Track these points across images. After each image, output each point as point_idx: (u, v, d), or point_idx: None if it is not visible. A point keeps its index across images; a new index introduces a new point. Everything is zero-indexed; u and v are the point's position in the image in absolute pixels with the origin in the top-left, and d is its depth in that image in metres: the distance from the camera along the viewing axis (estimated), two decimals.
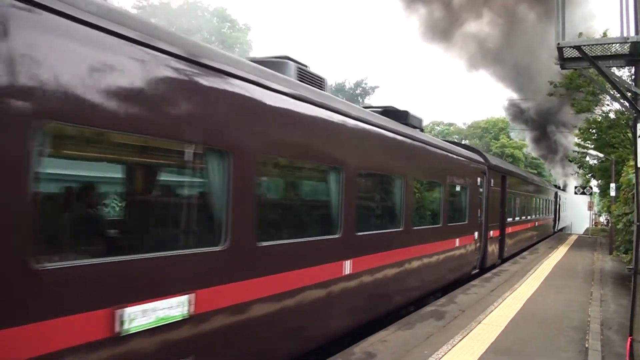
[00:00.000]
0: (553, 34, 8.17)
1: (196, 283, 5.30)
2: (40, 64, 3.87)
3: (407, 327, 9.68)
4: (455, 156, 14.86)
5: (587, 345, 8.95)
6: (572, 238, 37.51)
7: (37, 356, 3.82)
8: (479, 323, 10.18)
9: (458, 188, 14.98)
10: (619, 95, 8.72)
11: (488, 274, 16.97)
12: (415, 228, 11.45)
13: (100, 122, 4.41)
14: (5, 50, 3.65)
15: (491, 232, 18.56)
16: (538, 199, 32.05)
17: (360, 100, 64.57)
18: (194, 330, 5.24)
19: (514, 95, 56.62)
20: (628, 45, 8.22)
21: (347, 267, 8.39)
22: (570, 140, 38.40)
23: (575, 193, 45.99)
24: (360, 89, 69.10)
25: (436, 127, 78.53)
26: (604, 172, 35.07)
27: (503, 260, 20.98)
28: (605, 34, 20.60)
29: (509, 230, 21.74)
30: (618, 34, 8.14)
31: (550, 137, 55.07)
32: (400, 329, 9.58)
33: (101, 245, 4.90)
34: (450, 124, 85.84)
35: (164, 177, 6.04)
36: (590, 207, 46.90)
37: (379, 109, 11.89)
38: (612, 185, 25.93)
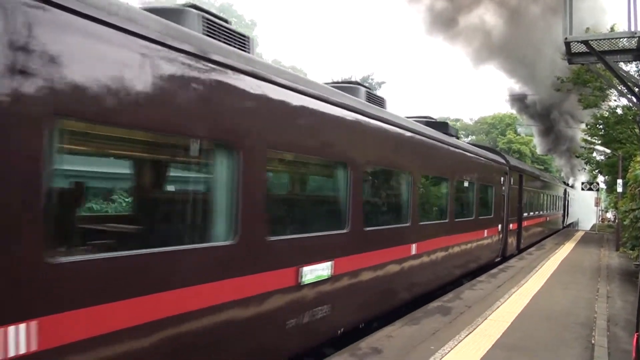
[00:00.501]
0: (558, 27, 8.14)
1: (334, 254, 7.83)
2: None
3: (413, 323, 9.69)
4: (485, 160, 17.37)
5: (593, 342, 8.94)
6: (579, 234, 37.39)
7: (273, 290, 6.41)
8: (485, 319, 10.19)
9: (487, 187, 17.49)
10: (626, 90, 8.68)
11: (494, 270, 16.97)
12: (456, 220, 13.86)
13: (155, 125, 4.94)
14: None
15: (511, 225, 20.64)
16: (550, 196, 34.20)
17: None
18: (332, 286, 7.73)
19: (520, 89, 56.32)
20: (636, 40, 8.18)
21: (414, 249, 11.06)
22: (576, 130, 37.99)
23: (582, 189, 45.93)
24: (367, 84, 69.09)
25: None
26: (611, 168, 34.97)
27: (520, 250, 22.81)
28: (612, 29, 20.47)
29: (525, 224, 23.87)
30: (626, 29, 8.11)
31: (555, 126, 54.49)
32: (406, 324, 9.59)
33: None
34: (457, 120, 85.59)
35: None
36: (597, 203, 46.72)
37: (421, 119, 13.91)
38: (619, 181, 25.84)
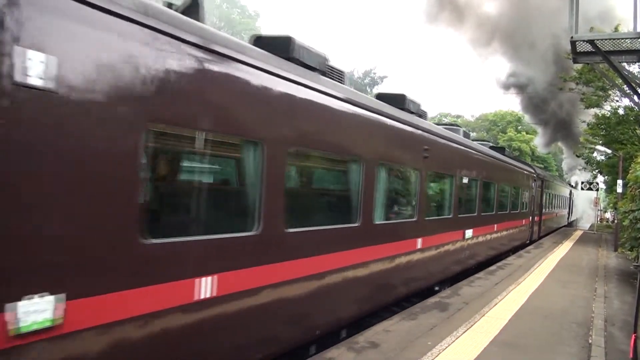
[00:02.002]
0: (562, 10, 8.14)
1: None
2: None
3: (411, 318, 9.72)
4: (523, 170, 23.84)
5: (590, 341, 8.97)
6: (577, 234, 37.43)
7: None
8: (483, 316, 10.21)
9: (525, 190, 23.86)
10: (629, 90, 8.67)
11: (493, 267, 17.00)
12: (500, 213, 19.11)
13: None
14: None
15: (535, 218, 27.59)
16: (560, 196, 41.70)
17: (369, 90, 64.37)
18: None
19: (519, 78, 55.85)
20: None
21: (469, 233, 15.24)
22: (577, 120, 37.27)
23: (582, 189, 46.00)
24: (369, 78, 68.93)
25: (444, 119, 78.11)
26: (611, 169, 34.95)
27: (539, 237, 29.75)
28: (617, 29, 20.43)
29: (543, 217, 31.11)
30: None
31: (557, 112, 53.77)
32: (404, 319, 9.61)
33: None
34: (458, 116, 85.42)
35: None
36: (596, 203, 46.76)
37: (484, 143, 20.45)
38: (619, 181, 25.84)
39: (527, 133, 75.57)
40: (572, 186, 55.45)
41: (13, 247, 3.69)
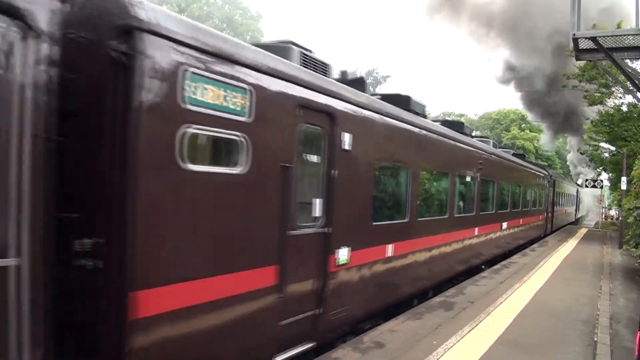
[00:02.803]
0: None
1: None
2: None
3: (416, 318, 9.72)
4: (539, 173, 27.79)
5: (595, 339, 8.95)
6: (582, 231, 37.36)
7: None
8: (488, 315, 10.20)
9: (541, 190, 28.23)
10: (633, 87, 8.64)
11: (497, 266, 16.98)
12: (524, 209, 23.00)
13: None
14: None
15: (548, 214, 31.36)
16: (568, 195, 44.80)
17: (372, 90, 64.24)
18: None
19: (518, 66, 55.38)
20: None
21: (504, 226, 19.16)
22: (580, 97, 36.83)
23: (586, 186, 45.93)
24: (372, 78, 68.76)
25: (447, 118, 77.91)
26: (615, 166, 34.88)
27: (552, 231, 33.46)
28: (619, 26, 20.37)
29: (555, 213, 34.88)
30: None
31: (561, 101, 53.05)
32: (409, 319, 9.61)
33: None
34: (462, 115, 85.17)
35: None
36: (600, 201, 46.69)
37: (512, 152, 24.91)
38: (624, 178, 25.77)
39: (530, 131, 75.37)
40: (579, 185, 57.35)
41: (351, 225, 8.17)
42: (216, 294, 5.37)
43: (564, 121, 56.31)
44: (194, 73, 4.98)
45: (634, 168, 18.77)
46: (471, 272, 15.40)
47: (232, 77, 5.45)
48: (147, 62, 4.55)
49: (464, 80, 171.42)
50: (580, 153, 43.02)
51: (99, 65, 4.59)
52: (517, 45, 51.34)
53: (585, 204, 75.10)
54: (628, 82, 8.90)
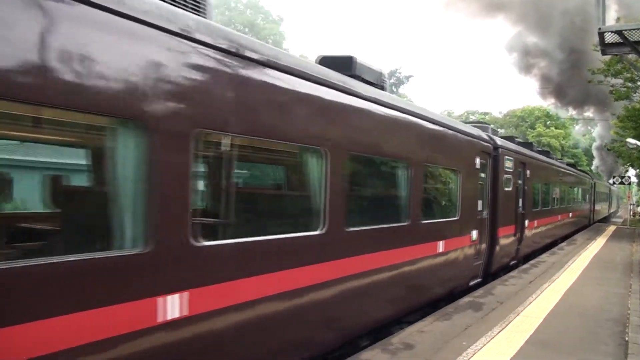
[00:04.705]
0: None
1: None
2: None
3: (444, 318, 9.74)
4: (585, 176, 36.57)
5: (627, 339, 8.87)
6: (610, 229, 36.87)
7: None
8: (518, 315, 10.18)
9: (586, 190, 36.76)
10: None
11: (526, 265, 16.91)
12: (577, 204, 32.38)
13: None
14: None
15: (592, 209, 40.46)
16: (602, 193, 52.59)
17: (395, 90, 64.10)
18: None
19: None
20: None
21: (570, 215, 29.89)
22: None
23: (613, 183, 45.47)
24: (395, 78, 68.66)
25: (471, 117, 77.28)
26: None
27: (594, 222, 42.25)
28: None
29: (595, 208, 43.51)
30: None
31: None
32: (438, 319, 9.64)
33: None
34: (486, 113, 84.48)
35: None
36: (629, 197, 46.11)
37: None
38: None
39: (556, 128, 74.55)
40: (611, 184, 63.35)
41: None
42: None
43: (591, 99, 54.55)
44: (506, 157, 15.40)
45: None
46: (565, 237, 27.51)
47: (511, 156, 15.78)
48: (500, 156, 14.72)
49: (487, 79, 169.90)
50: (607, 149, 42.42)
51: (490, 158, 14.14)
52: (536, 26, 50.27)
53: (616, 201, 77.65)
54: None
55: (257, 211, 7.00)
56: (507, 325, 9.40)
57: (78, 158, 5.95)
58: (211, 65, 5.26)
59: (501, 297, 11.74)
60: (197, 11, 5.64)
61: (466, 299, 11.50)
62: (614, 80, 26.68)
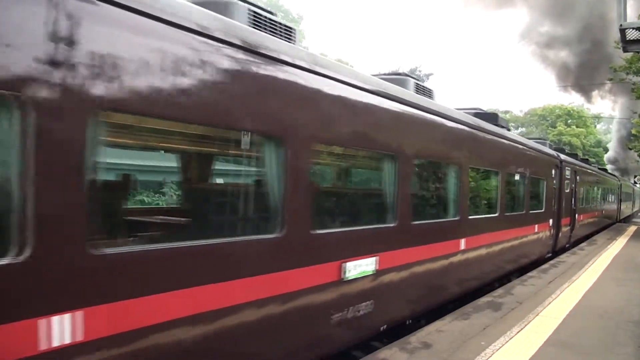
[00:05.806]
0: None
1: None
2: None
3: (463, 318, 9.72)
4: (612, 178, 41.11)
5: None
6: (632, 229, 36.43)
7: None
8: (537, 315, 10.13)
9: (614, 191, 41.18)
10: None
11: (545, 265, 16.78)
12: (608, 203, 37.64)
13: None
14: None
15: (618, 207, 45.52)
16: (627, 193, 56.45)
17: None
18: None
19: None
20: None
21: (603, 212, 35.51)
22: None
23: (635, 182, 45.07)
24: (415, 75, 68.44)
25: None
26: None
27: (620, 220, 46.77)
28: None
29: (621, 206, 48.01)
30: None
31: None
32: (456, 319, 9.63)
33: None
34: (507, 111, 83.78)
35: None
36: None
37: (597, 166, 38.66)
38: None
39: (577, 127, 73.78)
40: (635, 183, 67.95)
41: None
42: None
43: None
44: (566, 167, 20.92)
45: None
46: (598, 231, 31.68)
47: (569, 167, 21.70)
48: (563, 167, 20.34)
49: (508, 76, 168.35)
50: (629, 148, 41.92)
51: (558, 169, 19.84)
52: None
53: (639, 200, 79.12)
54: None
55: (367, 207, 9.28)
56: (526, 325, 9.36)
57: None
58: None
59: (520, 297, 11.69)
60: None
61: (485, 299, 11.47)
62: (635, 78, 26.36)
